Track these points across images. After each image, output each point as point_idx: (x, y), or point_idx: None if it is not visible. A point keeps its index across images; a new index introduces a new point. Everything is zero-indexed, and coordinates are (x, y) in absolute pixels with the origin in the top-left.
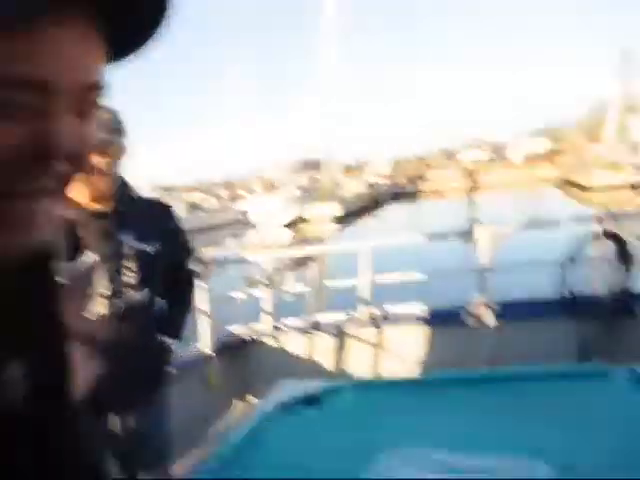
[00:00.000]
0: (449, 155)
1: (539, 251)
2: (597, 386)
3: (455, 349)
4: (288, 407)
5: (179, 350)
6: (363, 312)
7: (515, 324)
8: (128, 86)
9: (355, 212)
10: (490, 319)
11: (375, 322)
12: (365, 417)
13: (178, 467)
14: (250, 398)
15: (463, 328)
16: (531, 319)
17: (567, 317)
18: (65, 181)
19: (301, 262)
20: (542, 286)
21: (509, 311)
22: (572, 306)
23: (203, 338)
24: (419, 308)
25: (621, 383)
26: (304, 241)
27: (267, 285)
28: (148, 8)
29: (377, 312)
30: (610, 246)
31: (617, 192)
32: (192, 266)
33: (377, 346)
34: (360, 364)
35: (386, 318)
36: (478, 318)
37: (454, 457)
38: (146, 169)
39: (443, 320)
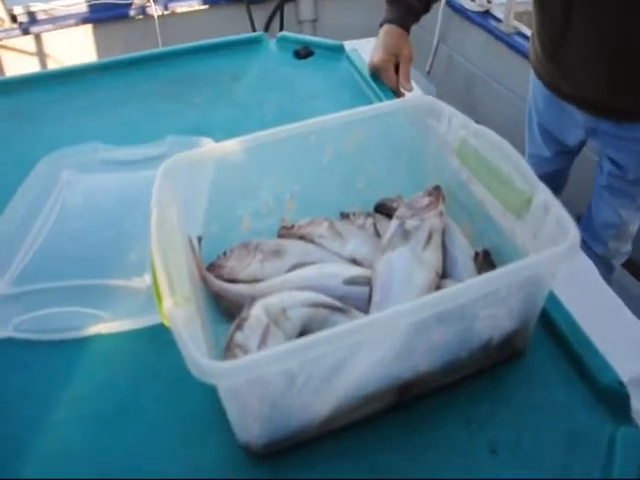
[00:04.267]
0: None
1: None
2: (252, 53)
3: (124, 47)
4: None
5: None
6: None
7: (182, 13)
8: None
9: None
10: (154, 9)
11: (24, 25)
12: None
13: None
14: None
15: (129, 22)
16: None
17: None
18: None
19: None
20: None
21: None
22: None
23: None
24: (81, 3)
25: (272, 49)
26: None
27: None
28: None
29: (22, 11)
30: None
31: None
32: None
33: (35, 55)
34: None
35: (37, 20)
36: (142, 9)
37: (123, 149)
38: None
39: (106, 16)
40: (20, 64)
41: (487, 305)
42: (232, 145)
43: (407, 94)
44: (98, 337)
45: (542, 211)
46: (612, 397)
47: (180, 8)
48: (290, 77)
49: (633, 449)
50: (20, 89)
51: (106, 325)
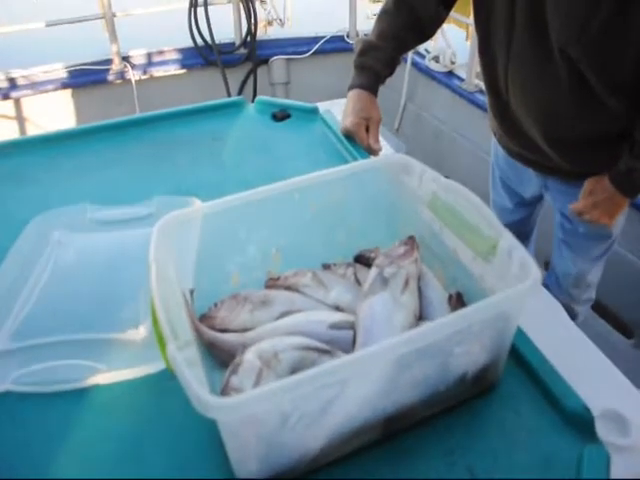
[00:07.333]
0: None
1: None
2: (232, 116)
3: (102, 110)
4: None
5: None
6: None
7: (159, 78)
8: None
9: None
10: (131, 74)
11: (4, 90)
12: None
13: None
14: None
15: (107, 86)
16: (171, 70)
17: (206, 65)
18: None
19: None
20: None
21: (146, 64)
22: (209, 53)
23: None
24: (60, 69)
25: (251, 112)
26: None
27: None
28: None
29: (2, 77)
30: None
31: None
32: None
33: (14, 119)
34: None
35: (17, 85)
36: (120, 74)
37: (112, 209)
38: None
39: (85, 81)
40: None
41: (462, 341)
42: (222, 204)
43: (379, 153)
44: (96, 388)
45: (506, 255)
46: (578, 420)
47: (157, 73)
48: (268, 138)
49: (600, 464)
50: (5, 152)
51: (104, 376)
